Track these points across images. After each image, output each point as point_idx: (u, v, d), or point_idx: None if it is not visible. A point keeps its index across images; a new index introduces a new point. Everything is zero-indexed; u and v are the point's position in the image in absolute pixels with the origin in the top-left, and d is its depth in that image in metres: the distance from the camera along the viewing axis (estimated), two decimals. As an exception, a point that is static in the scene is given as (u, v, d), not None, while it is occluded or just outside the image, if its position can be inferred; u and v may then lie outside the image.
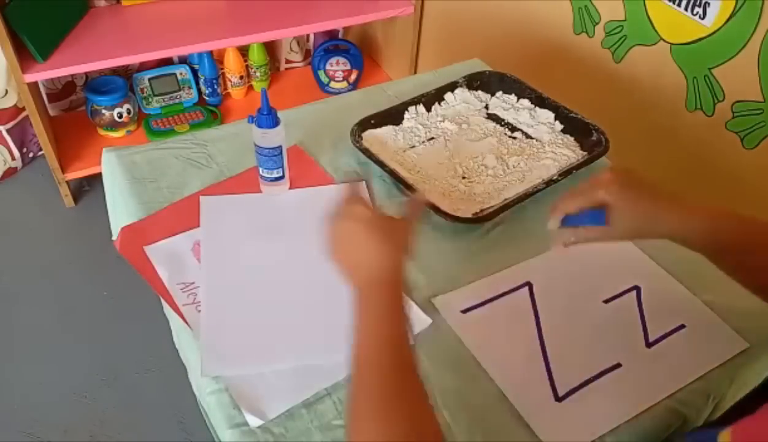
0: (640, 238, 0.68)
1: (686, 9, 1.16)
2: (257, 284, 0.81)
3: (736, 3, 1.07)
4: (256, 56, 2.07)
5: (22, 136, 1.95)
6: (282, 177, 0.92)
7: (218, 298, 0.79)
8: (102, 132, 1.93)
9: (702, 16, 1.13)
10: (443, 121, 1.08)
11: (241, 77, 2.08)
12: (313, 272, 0.82)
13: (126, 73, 1.98)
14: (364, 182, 0.95)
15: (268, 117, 0.86)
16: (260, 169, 0.91)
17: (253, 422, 0.66)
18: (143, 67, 1.98)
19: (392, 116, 1.07)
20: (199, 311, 0.77)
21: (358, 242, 0.64)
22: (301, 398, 0.69)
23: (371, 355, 0.58)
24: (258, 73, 2.11)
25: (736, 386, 0.77)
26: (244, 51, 2.09)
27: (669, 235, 0.67)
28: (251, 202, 0.93)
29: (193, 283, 0.81)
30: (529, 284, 0.84)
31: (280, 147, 0.89)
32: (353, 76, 2.17)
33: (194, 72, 2.03)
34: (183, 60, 2.05)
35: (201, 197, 0.92)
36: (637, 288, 0.85)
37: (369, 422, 0.53)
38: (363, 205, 0.67)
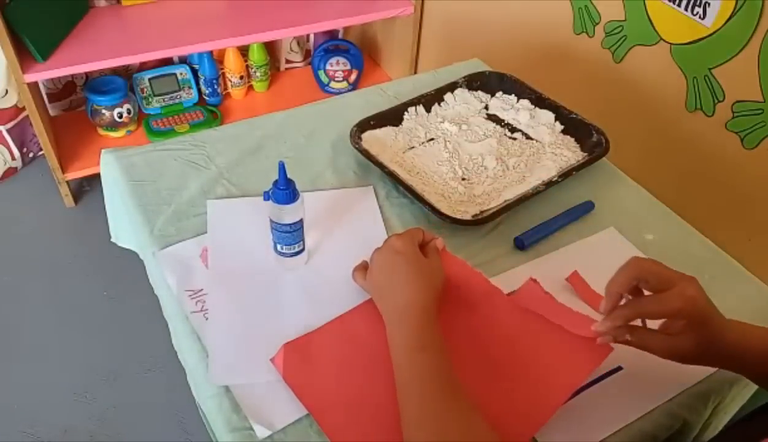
0: (699, 357, 0.64)
1: (686, 9, 1.15)
2: (267, 291, 0.79)
3: (736, 3, 1.07)
4: (256, 56, 2.07)
5: (22, 136, 1.95)
6: (303, 249, 0.82)
7: (227, 305, 0.77)
8: (102, 132, 1.93)
9: (702, 16, 1.13)
10: (443, 122, 1.08)
11: (242, 77, 2.08)
12: (323, 277, 0.82)
13: (126, 73, 1.98)
14: (371, 187, 0.95)
15: (286, 192, 0.76)
16: (277, 246, 0.80)
17: (261, 432, 0.65)
18: (143, 67, 1.98)
19: (392, 117, 1.07)
20: (207, 318, 0.75)
21: (396, 272, 0.71)
22: None
23: (404, 382, 0.63)
24: (258, 73, 2.11)
25: (735, 391, 0.77)
26: (244, 51, 2.08)
27: (731, 349, 0.63)
28: (260, 206, 0.92)
29: (201, 290, 0.79)
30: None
31: (300, 220, 0.79)
32: (353, 76, 2.17)
33: (194, 72, 2.03)
34: (183, 60, 2.05)
35: (208, 202, 0.90)
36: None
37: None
38: (410, 242, 0.73)
